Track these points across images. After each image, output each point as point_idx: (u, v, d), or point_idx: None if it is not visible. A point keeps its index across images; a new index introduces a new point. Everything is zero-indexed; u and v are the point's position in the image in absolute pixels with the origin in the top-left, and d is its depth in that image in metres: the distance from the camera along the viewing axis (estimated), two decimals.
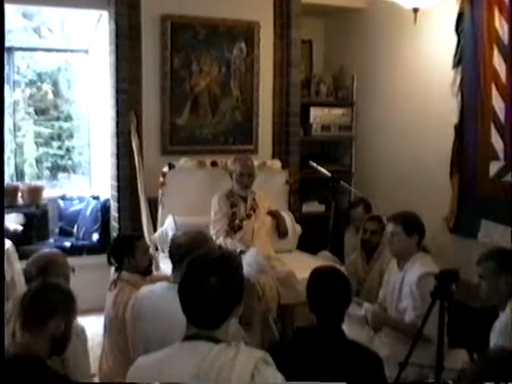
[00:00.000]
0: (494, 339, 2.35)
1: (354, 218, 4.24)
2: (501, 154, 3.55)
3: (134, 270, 2.94)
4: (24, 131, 5.22)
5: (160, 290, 2.35)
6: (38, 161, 5.32)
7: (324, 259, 4.19)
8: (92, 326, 3.64)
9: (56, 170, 5.40)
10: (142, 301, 2.36)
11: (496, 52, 3.49)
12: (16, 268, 3.12)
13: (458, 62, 3.82)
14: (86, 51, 5.26)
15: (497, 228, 3.51)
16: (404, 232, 2.97)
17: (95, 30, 4.96)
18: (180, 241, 2.44)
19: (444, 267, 3.69)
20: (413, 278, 2.91)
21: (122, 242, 3.08)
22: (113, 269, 3.07)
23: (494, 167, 3.61)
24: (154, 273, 3.32)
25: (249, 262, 2.69)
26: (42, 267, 2.35)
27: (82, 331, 2.36)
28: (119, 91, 4.32)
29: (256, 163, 4.15)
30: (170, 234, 4.00)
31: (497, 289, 2.40)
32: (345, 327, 2.18)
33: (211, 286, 1.54)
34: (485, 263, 2.43)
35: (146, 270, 3.00)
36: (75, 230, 4.91)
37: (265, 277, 3.58)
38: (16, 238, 4.00)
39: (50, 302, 1.89)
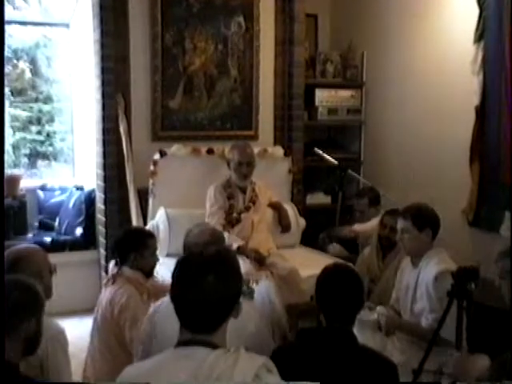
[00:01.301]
0: None
1: (356, 209, 4.21)
2: None
3: (137, 269, 2.92)
4: None
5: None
6: (15, 147, 5.28)
7: (335, 253, 4.18)
8: (74, 329, 3.64)
9: (35, 157, 5.37)
10: (165, 312, 2.28)
11: None
12: None
13: (479, 36, 3.78)
14: (67, 25, 5.20)
15: None
16: (415, 227, 2.94)
17: (77, 2, 4.91)
18: (196, 240, 2.41)
19: (462, 264, 3.71)
20: (429, 276, 2.88)
21: (132, 236, 3.04)
22: (112, 263, 3.04)
23: None
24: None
25: (261, 295, 2.62)
26: (10, 265, 2.28)
27: (62, 333, 2.32)
28: (105, 71, 4.28)
29: (256, 150, 4.12)
30: (162, 227, 3.98)
31: None
32: (356, 333, 2.17)
33: (209, 285, 1.54)
34: (501, 262, 2.41)
35: (150, 271, 2.99)
36: (57, 223, 4.89)
37: (264, 274, 3.56)
38: None
39: (17, 303, 1.87)
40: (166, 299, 2.39)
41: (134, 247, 2.92)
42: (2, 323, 1.77)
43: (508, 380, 1.47)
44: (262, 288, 2.74)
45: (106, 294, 2.87)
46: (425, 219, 2.97)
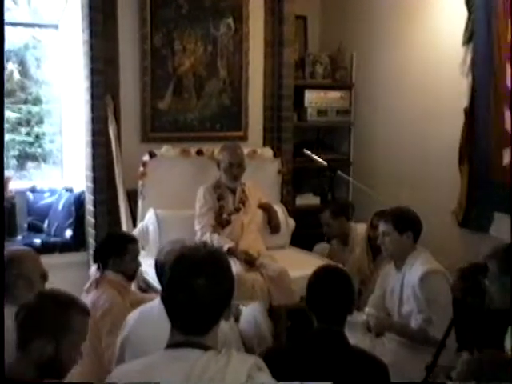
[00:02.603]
0: (510, 343, 2.32)
1: (322, 223, 4.20)
2: None
3: (118, 272, 2.92)
4: None
5: (158, 309, 2.27)
6: (4, 149, 5.23)
7: (321, 253, 4.18)
8: None
9: (24, 159, 5.32)
10: (140, 323, 2.25)
11: (511, 27, 3.44)
12: None
13: (468, 38, 3.79)
14: (56, 26, 5.16)
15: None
16: (396, 230, 2.95)
17: (66, 3, 4.87)
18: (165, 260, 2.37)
19: (452, 264, 3.71)
20: (414, 278, 2.89)
21: (112, 241, 3.05)
22: (93, 267, 3.03)
23: (508, 155, 3.57)
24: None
25: (247, 318, 2.59)
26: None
27: None
28: (94, 72, 4.25)
29: (245, 151, 4.12)
30: (151, 228, 3.96)
31: (505, 290, 2.37)
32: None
33: (201, 287, 1.52)
34: (489, 263, 2.41)
35: (132, 276, 3.00)
36: (46, 225, 4.85)
37: (254, 275, 3.55)
38: None
39: (35, 320, 1.79)
40: (142, 308, 2.38)
41: (115, 251, 2.92)
42: (1, 324, 1.75)
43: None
44: (250, 310, 2.72)
45: (88, 298, 2.82)
46: (405, 222, 2.97)
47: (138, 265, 3.04)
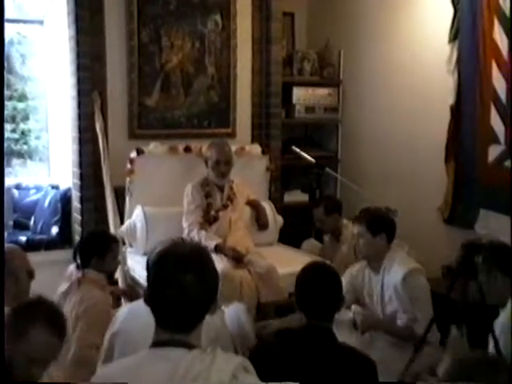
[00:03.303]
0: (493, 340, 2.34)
1: (314, 218, 4.19)
2: (501, 138, 3.54)
3: (101, 271, 2.90)
4: None
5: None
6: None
7: (309, 249, 4.19)
8: None
9: (10, 155, 5.27)
10: (130, 319, 2.23)
11: (497, 24, 3.47)
12: None
13: (454, 36, 3.81)
14: (42, 22, 5.12)
15: (496, 218, 3.51)
16: (369, 232, 2.95)
17: None
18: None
19: (437, 261, 3.74)
20: (395, 279, 2.89)
21: (95, 240, 3.01)
22: (71, 267, 2.96)
23: (493, 152, 3.60)
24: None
25: (231, 318, 2.57)
26: None
27: None
28: (80, 68, 4.22)
29: (233, 148, 4.11)
30: (139, 226, 3.94)
31: (490, 287, 2.39)
32: None
33: (189, 283, 1.50)
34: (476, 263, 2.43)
35: (112, 274, 3.04)
36: (32, 222, 4.81)
37: (242, 272, 3.55)
38: None
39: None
40: (130, 306, 2.36)
41: (98, 251, 2.89)
42: (1, 324, 1.73)
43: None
44: (233, 310, 2.71)
45: (71, 300, 2.77)
46: (379, 224, 2.98)
47: (118, 264, 3.08)
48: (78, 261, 2.92)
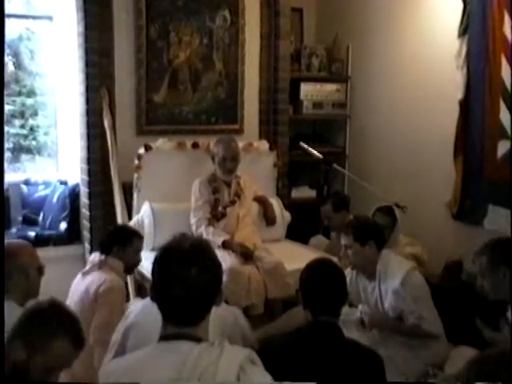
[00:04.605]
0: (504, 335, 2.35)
1: (322, 215, 4.19)
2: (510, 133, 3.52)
3: (120, 260, 3.03)
4: None
5: None
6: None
7: (317, 246, 4.19)
8: None
9: (18, 151, 5.32)
10: (144, 313, 2.23)
11: (507, 19, 3.44)
12: None
13: (464, 30, 3.78)
14: (51, 18, 5.15)
15: (505, 214, 3.50)
16: (357, 242, 2.93)
17: None
18: None
19: (445, 257, 3.74)
20: (394, 284, 2.88)
21: (119, 231, 3.22)
22: (94, 254, 3.12)
23: (502, 147, 3.58)
24: None
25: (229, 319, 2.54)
26: None
27: None
28: (89, 64, 4.23)
29: (241, 144, 4.11)
30: (146, 221, 3.96)
31: (498, 284, 2.39)
32: None
33: (194, 277, 1.53)
34: (478, 260, 2.43)
35: (130, 268, 3.11)
36: (40, 218, 4.84)
37: (250, 268, 3.56)
38: None
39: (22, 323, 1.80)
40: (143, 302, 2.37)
41: (120, 240, 3.04)
42: (2, 323, 1.74)
43: None
44: (228, 313, 2.68)
45: (87, 279, 2.92)
46: (366, 233, 2.95)
47: (139, 260, 3.14)
48: (103, 248, 3.07)
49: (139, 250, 3.13)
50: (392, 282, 2.88)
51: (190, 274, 1.53)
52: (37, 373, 1.75)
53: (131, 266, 3.10)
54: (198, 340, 1.53)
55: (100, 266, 2.98)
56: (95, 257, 3.07)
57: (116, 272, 2.97)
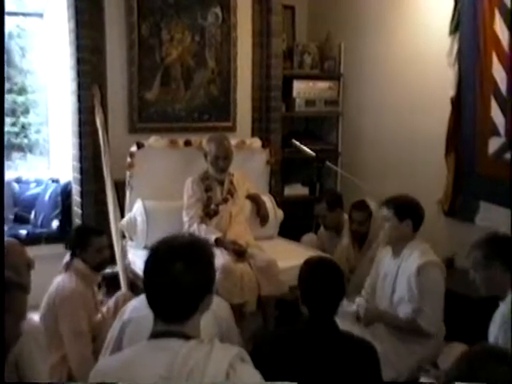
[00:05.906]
0: (494, 332, 2.36)
1: (316, 214, 4.21)
2: (501, 130, 3.53)
3: (84, 262, 3.06)
4: None
5: None
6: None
7: (310, 243, 4.20)
8: None
9: (10, 149, 5.28)
10: (140, 309, 2.23)
11: (497, 16, 3.45)
12: None
13: (455, 28, 3.79)
14: (41, 15, 5.12)
15: (497, 211, 3.52)
16: (396, 217, 2.97)
17: None
18: None
19: (438, 253, 3.75)
20: (411, 268, 2.91)
21: (79, 233, 3.24)
22: (67, 255, 3.14)
23: (493, 144, 3.59)
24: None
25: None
26: None
27: (38, 329, 2.29)
28: (80, 61, 4.22)
29: (234, 142, 4.10)
30: (139, 219, 3.95)
31: (491, 279, 2.40)
32: None
33: (177, 271, 1.52)
34: (472, 255, 2.45)
35: (97, 267, 3.12)
36: (32, 216, 4.82)
37: (243, 266, 3.55)
38: None
39: None
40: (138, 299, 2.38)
41: (77, 244, 3.08)
42: (1, 323, 1.74)
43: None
44: (214, 305, 2.68)
45: (56, 280, 3.00)
46: (406, 210, 3.00)
47: (105, 257, 3.14)
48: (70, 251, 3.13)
49: (101, 247, 3.12)
50: (410, 266, 2.91)
51: (175, 268, 1.52)
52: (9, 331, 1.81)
53: (97, 265, 3.09)
54: (187, 337, 1.52)
55: (66, 268, 3.03)
56: (65, 258, 3.10)
57: (80, 274, 3.00)
